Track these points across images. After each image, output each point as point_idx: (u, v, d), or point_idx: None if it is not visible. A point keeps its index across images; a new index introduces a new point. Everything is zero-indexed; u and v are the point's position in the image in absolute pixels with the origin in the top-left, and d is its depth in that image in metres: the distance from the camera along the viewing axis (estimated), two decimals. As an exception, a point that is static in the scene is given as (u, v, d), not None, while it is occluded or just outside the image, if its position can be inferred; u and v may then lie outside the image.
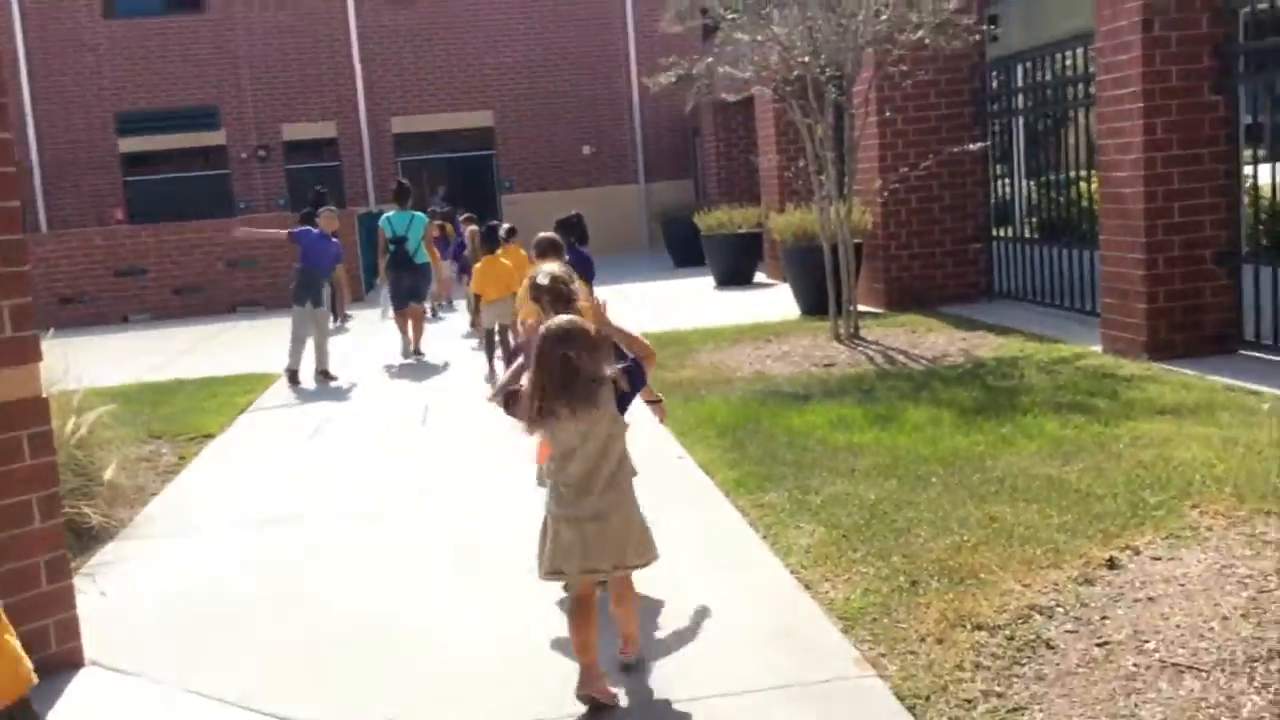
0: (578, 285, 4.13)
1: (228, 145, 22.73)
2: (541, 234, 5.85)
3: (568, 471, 3.51)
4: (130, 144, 22.38)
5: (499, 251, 10.14)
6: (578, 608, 3.60)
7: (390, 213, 11.84)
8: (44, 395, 4.17)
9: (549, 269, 4.14)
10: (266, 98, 22.63)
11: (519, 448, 6.23)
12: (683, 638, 4.06)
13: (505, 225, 11.27)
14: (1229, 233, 8.03)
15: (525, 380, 3.56)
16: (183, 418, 8.66)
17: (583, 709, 3.51)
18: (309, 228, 10.74)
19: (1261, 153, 8.98)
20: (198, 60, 22.41)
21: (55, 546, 4.13)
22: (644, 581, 4.63)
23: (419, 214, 11.95)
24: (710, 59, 10.89)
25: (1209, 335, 7.97)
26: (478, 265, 10.37)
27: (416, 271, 11.65)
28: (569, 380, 3.38)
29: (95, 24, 22.13)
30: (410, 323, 11.54)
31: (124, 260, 17.77)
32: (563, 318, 3.54)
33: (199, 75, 22.46)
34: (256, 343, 13.40)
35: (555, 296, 3.96)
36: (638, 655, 3.81)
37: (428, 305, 13.18)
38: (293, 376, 10.13)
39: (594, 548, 3.51)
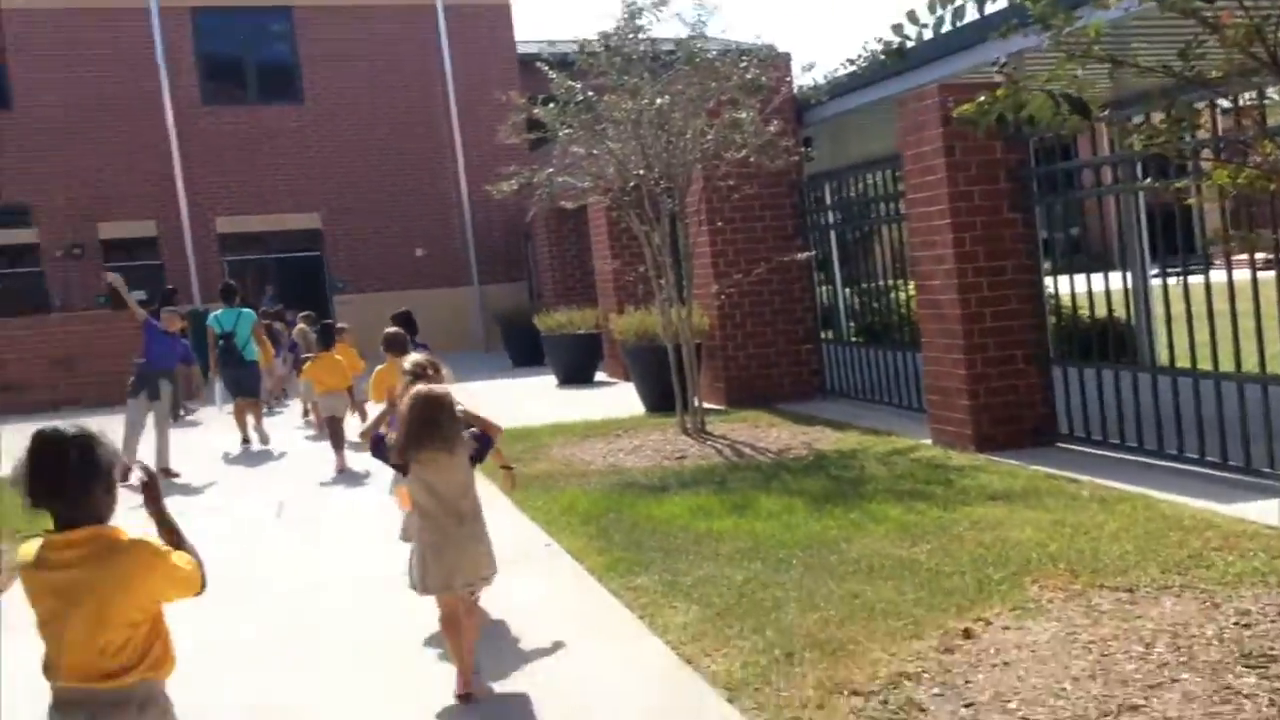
0: (445, 370, 5.01)
1: (40, 242, 21.86)
2: (388, 330, 7.25)
3: (441, 507, 4.39)
4: (-65, 241, 21.30)
5: (334, 348, 11.13)
6: (449, 621, 4.42)
7: (217, 311, 12.47)
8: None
9: (416, 358, 5.03)
10: (82, 196, 21.89)
11: (379, 532, 6.29)
12: (576, 712, 4.19)
13: (340, 324, 12.14)
14: (1037, 335, 8.76)
15: (392, 432, 4.60)
16: (10, 518, 8.25)
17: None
18: (155, 322, 10.56)
19: (1058, 265, 9.87)
20: (8, 156, 21.59)
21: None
22: (530, 660, 4.76)
23: (246, 311, 12.45)
24: (550, 169, 11.28)
25: (1028, 429, 8.62)
26: (313, 360, 11.26)
27: (246, 367, 12.18)
28: (434, 430, 4.32)
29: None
30: (248, 415, 12.12)
31: (-68, 359, 16.80)
32: (434, 385, 4.52)
33: (9, 173, 21.59)
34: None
35: (421, 377, 4.77)
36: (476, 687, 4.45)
37: (263, 399, 13.52)
38: (125, 473, 9.83)
39: (477, 564, 4.43)
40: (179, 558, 2.73)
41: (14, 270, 21.84)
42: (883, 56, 4.45)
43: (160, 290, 16.38)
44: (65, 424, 2.67)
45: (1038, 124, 4.23)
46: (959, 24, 4.22)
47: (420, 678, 4.70)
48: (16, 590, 6.23)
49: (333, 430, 10.44)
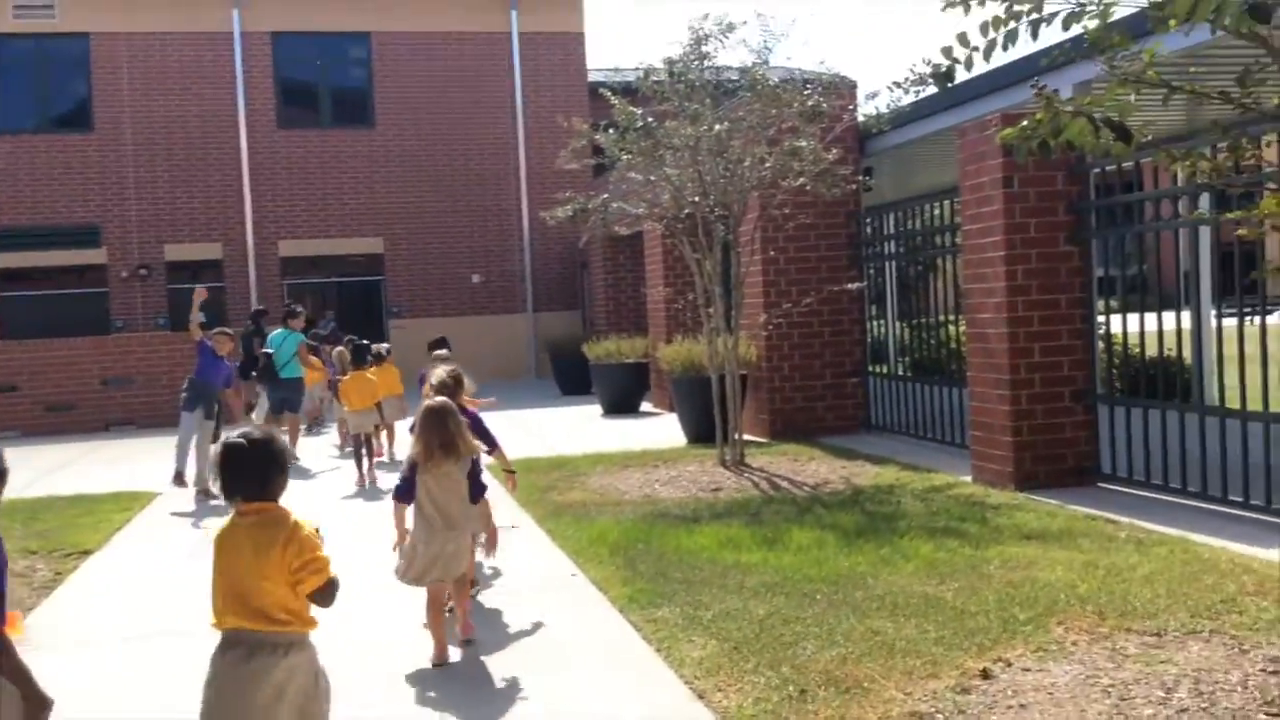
0: (467, 381, 6.07)
1: (108, 264, 22.40)
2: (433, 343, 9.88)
3: (435, 509, 5.17)
4: (6, 260, 21.89)
5: (368, 368, 11.72)
6: (432, 605, 5.22)
7: (273, 332, 13.45)
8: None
9: (446, 369, 6.03)
10: (151, 217, 22.45)
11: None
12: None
13: (384, 346, 12.76)
14: (1085, 373, 8.61)
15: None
16: (58, 534, 8.43)
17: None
18: (205, 341, 10.85)
19: (1113, 302, 9.69)
20: (83, 178, 22.21)
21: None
22: (544, 688, 4.74)
23: (294, 333, 13.20)
24: (605, 195, 11.33)
25: (1070, 468, 8.46)
26: (346, 378, 11.76)
27: (283, 384, 12.87)
28: (439, 436, 5.10)
29: (-22, 138, 21.84)
30: (286, 429, 12.60)
31: (-5, 375, 17.26)
32: (438, 398, 5.41)
33: (83, 193, 22.21)
34: (132, 460, 13.10)
35: (445, 389, 5.74)
36: (472, 634, 5.42)
37: (303, 417, 14.36)
38: (179, 478, 10.44)
39: (448, 565, 5.20)
40: (316, 544, 3.28)
41: (79, 291, 22.35)
42: (930, 80, 4.39)
43: (252, 311, 17.06)
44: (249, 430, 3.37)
45: (1078, 148, 4.16)
46: (1009, 48, 4.13)
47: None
48: (41, 609, 6.37)
49: (356, 446, 10.92)
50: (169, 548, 8.09)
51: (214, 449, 3.36)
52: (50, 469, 12.79)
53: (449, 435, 5.11)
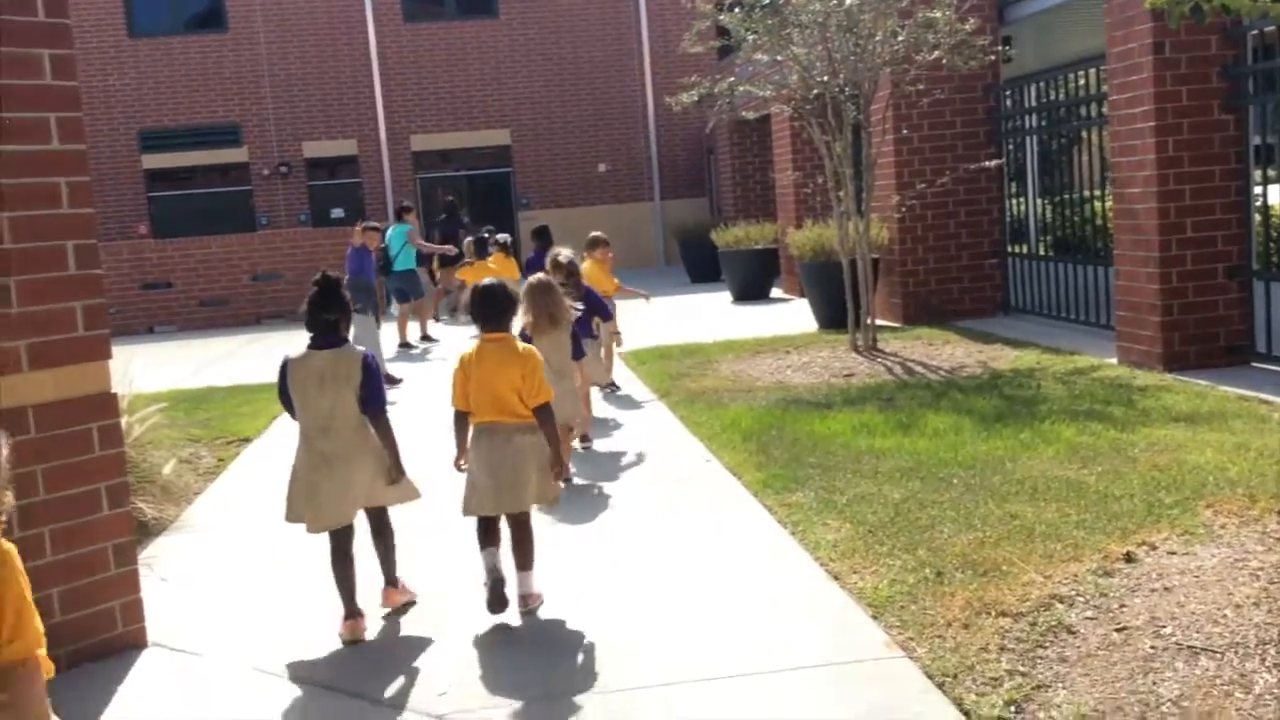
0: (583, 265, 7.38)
1: (250, 162, 23.06)
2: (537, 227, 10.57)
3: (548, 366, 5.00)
4: (153, 160, 22.74)
5: (490, 258, 13.27)
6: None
7: (393, 227, 14.06)
8: (112, 391, 4.39)
9: (566, 252, 7.20)
10: (288, 115, 22.97)
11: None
12: (726, 623, 4.25)
13: (504, 236, 14.13)
14: (1240, 248, 8.22)
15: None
16: (219, 422, 8.89)
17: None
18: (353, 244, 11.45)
19: (1271, 172, 9.17)
20: (220, 78, 22.78)
21: (122, 533, 4.35)
22: (686, 575, 4.85)
23: (403, 225, 13.76)
24: (731, 78, 11.12)
25: (1222, 347, 8.15)
26: (468, 265, 13.80)
27: (397, 277, 13.55)
28: (545, 308, 5.64)
29: (120, 42, 22.51)
30: (408, 320, 13.62)
31: (150, 274, 18.09)
32: (538, 276, 5.90)
33: (221, 93, 22.82)
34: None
35: (566, 272, 6.85)
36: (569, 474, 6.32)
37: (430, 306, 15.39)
38: (390, 380, 10.31)
39: (561, 408, 5.38)
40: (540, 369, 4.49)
41: (224, 189, 23.12)
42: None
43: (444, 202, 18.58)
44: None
45: (1233, 11, 3.91)
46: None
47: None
48: (207, 494, 6.74)
49: None
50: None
51: (465, 293, 4.44)
52: (208, 361, 13.43)
53: (554, 307, 5.69)
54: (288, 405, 4.48)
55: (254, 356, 13.71)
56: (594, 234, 9.09)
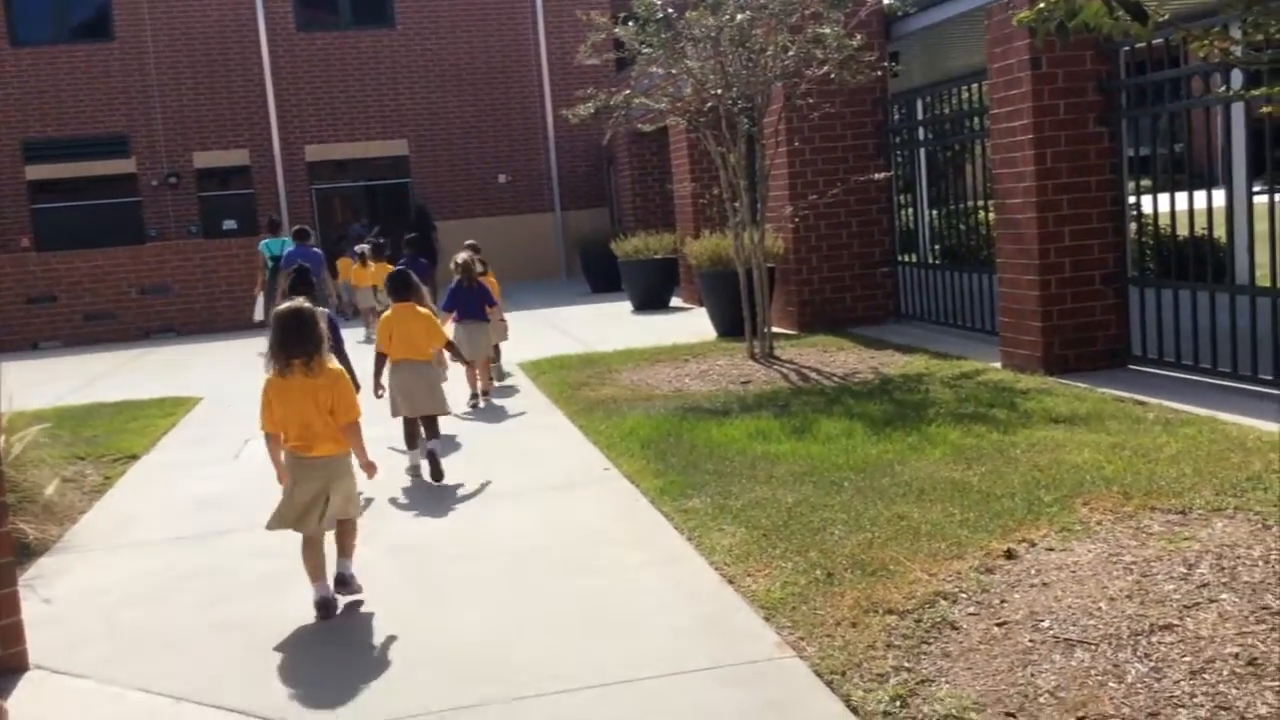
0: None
1: (138, 173, 22.48)
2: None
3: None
4: (37, 171, 22.03)
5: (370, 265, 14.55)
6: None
7: (265, 239, 15.15)
8: (-11, 409, 4.27)
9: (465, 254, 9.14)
10: (178, 125, 22.45)
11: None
12: (621, 627, 4.30)
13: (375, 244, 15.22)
14: (1116, 255, 8.54)
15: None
16: (106, 440, 8.66)
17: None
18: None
19: (1145, 183, 9.55)
20: (107, 87, 22.17)
21: (2, 554, 4.23)
22: (582, 579, 4.88)
23: (285, 239, 14.91)
24: (627, 91, 11.21)
25: (1100, 351, 8.46)
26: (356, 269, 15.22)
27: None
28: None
29: (1, 51, 21.78)
30: None
31: (34, 287, 17.54)
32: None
33: (108, 103, 22.21)
34: (173, 367, 13.36)
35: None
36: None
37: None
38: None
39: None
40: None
41: (111, 201, 22.51)
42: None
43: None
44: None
45: (1096, 30, 4.07)
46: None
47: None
48: (92, 513, 6.56)
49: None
50: (212, 449, 8.29)
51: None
52: (94, 377, 13.05)
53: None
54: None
55: (141, 371, 13.39)
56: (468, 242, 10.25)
